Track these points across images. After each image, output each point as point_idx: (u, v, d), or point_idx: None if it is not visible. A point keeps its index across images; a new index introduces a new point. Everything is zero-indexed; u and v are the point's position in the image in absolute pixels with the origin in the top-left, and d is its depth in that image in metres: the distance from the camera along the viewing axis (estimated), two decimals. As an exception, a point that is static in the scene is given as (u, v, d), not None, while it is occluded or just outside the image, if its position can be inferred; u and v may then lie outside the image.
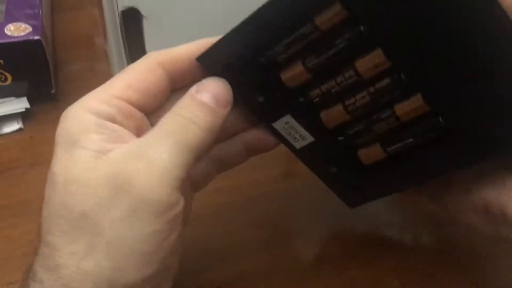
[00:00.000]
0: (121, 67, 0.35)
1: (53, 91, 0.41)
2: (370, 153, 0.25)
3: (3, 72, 0.38)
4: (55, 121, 0.40)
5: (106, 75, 0.45)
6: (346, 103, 0.24)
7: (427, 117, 0.22)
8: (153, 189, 0.20)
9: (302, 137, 0.25)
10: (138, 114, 0.24)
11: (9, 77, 0.39)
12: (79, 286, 0.20)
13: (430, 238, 0.32)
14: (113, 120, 0.22)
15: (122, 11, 0.32)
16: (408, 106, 0.23)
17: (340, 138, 0.25)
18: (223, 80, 0.24)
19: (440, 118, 0.22)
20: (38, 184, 0.34)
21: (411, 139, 0.23)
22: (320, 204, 0.32)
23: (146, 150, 0.21)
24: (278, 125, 0.25)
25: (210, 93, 0.23)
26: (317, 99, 0.24)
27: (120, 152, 0.21)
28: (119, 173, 0.20)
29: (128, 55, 0.35)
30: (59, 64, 0.47)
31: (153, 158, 0.21)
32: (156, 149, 0.21)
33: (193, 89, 0.23)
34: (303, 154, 0.26)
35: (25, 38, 0.38)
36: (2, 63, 0.38)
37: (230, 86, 0.24)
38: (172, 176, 0.21)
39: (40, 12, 0.42)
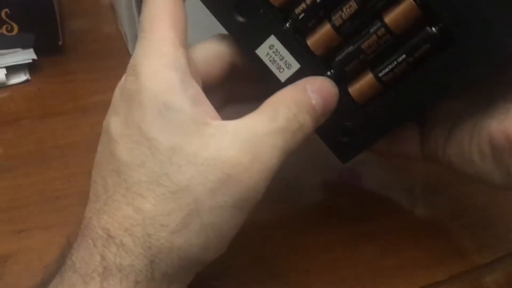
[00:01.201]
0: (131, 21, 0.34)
1: (60, 43, 0.40)
2: (363, 86, 0.23)
3: (9, 21, 0.37)
4: (64, 73, 0.40)
5: (112, 29, 0.44)
6: (333, 18, 0.22)
7: (420, 27, 0.21)
8: (257, 189, 0.21)
9: (287, 64, 0.24)
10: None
11: (16, 27, 0.38)
12: (165, 258, 0.20)
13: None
14: (187, 73, 0.22)
15: None
16: (398, 12, 0.21)
17: (329, 72, 0.24)
18: (333, 83, 0.23)
19: (433, 27, 0.21)
20: (49, 134, 0.34)
21: (403, 56, 0.22)
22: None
23: (256, 143, 0.21)
24: (262, 51, 0.24)
25: (323, 98, 0.23)
26: (302, 15, 0.23)
27: (228, 137, 0.21)
28: (229, 161, 0.20)
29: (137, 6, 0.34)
30: (64, 18, 0.46)
31: (263, 159, 0.21)
32: (266, 148, 0.21)
33: (308, 85, 0.23)
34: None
35: (32, -13, 0.37)
36: (9, 12, 0.37)
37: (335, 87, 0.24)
38: (270, 178, 0.21)
39: (46, -40, 0.41)
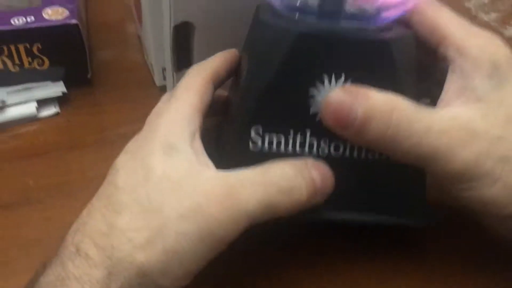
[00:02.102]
0: (169, 78, 0.36)
1: (89, 76, 0.41)
2: None
3: (40, 56, 0.38)
4: (92, 105, 0.41)
5: (138, 61, 0.45)
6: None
7: None
8: (225, 227, 0.21)
9: None
10: None
11: (47, 61, 0.39)
12: (123, 272, 0.21)
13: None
14: (197, 133, 0.25)
15: (175, 25, 0.32)
16: None
17: None
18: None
19: None
20: (77, 166, 0.35)
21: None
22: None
23: (238, 185, 0.22)
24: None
25: (321, 175, 0.24)
26: None
27: (216, 176, 0.22)
28: (204, 191, 0.22)
29: (176, 65, 0.35)
30: (92, 49, 0.47)
31: (239, 199, 0.21)
32: (246, 191, 0.22)
33: (309, 160, 0.24)
34: None
35: (63, 22, 0.38)
36: (40, 46, 0.38)
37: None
38: (243, 223, 0.22)
39: (76, -4, 0.42)
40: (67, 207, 0.32)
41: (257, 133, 0.24)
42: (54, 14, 0.38)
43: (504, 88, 0.24)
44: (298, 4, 0.25)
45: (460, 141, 0.23)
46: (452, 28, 0.26)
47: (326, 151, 0.25)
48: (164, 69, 0.39)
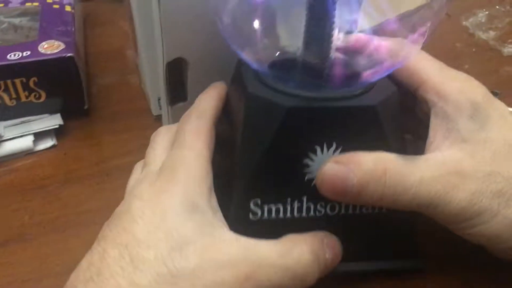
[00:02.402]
0: (164, 111, 0.36)
1: (86, 107, 0.41)
2: None
3: (37, 89, 0.39)
4: (88, 136, 0.41)
5: (136, 89, 0.45)
6: None
7: None
8: None
9: None
10: None
11: (43, 94, 0.39)
12: None
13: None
14: (212, 186, 0.26)
15: (168, 62, 0.33)
16: None
17: None
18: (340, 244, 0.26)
19: None
20: (72, 200, 0.34)
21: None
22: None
23: (256, 268, 0.22)
24: None
25: (334, 255, 0.25)
26: None
27: (237, 249, 0.23)
28: (228, 271, 0.22)
29: (170, 99, 0.35)
30: (92, 78, 0.47)
31: (255, 283, 0.22)
32: (262, 275, 0.22)
33: (325, 239, 0.25)
34: None
35: (59, 55, 0.38)
36: (37, 80, 0.38)
37: None
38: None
39: (73, 28, 0.43)
40: (62, 243, 0.31)
41: (256, 205, 0.25)
42: (49, 48, 0.39)
43: (486, 126, 0.25)
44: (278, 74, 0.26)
45: (453, 185, 0.23)
46: (430, 72, 0.27)
47: (323, 211, 0.26)
48: (159, 99, 0.39)
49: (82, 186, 0.35)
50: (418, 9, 0.24)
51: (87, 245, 0.31)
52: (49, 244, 0.31)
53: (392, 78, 0.27)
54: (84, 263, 0.22)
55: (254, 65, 0.25)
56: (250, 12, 0.25)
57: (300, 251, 0.23)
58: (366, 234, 0.27)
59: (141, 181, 0.25)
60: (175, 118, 0.35)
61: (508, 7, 0.52)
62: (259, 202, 0.25)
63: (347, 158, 0.23)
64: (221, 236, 0.23)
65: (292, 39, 0.26)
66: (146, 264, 0.21)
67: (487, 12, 0.51)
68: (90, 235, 0.31)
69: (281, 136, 0.24)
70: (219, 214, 0.25)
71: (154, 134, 0.29)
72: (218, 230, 0.23)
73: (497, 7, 0.51)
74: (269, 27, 0.26)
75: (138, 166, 0.30)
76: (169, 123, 0.36)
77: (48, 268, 0.30)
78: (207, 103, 0.28)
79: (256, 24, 0.26)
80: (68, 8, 0.46)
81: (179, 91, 0.34)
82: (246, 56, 0.26)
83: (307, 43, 0.24)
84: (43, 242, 0.32)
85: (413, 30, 0.25)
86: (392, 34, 0.25)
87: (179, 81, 0.34)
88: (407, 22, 0.25)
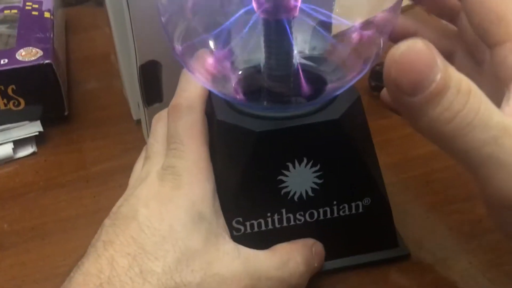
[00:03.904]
0: (142, 113, 0.36)
1: (66, 113, 0.41)
2: None
3: (15, 97, 0.39)
4: (69, 143, 0.40)
5: (118, 94, 0.45)
6: None
7: None
8: None
9: None
10: None
11: (22, 101, 0.39)
12: None
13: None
14: (215, 187, 0.26)
15: (142, 65, 0.33)
16: None
17: None
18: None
19: None
20: (52, 208, 0.34)
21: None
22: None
23: (257, 281, 0.24)
24: None
25: (320, 262, 0.27)
26: None
27: (239, 263, 0.24)
28: (232, 285, 0.23)
29: (145, 100, 0.35)
30: (74, 84, 0.47)
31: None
32: (263, 285, 0.24)
33: (314, 247, 0.26)
34: None
35: (36, 63, 0.38)
36: (15, 88, 0.38)
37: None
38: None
39: (51, 35, 0.43)
40: (41, 251, 0.31)
41: (239, 223, 0.26)
42: (27, 55, 0.39)
43: None
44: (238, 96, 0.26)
45: None
46: None
47: (303, 220, 0.26)
48: (139, 103, 0.39)
49: (62, 193, 0.35)
50: (376, 15, 0.24)
51: (67, 252, 0.31)
52: (28, 252, 0.31)
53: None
54: (92, 268, 0.22)
55: (217, 94, 0.26)
56: (202, 41, 0.25)
57: (295, 264, 0.25)
58: (346, 233, 0.28)
59: (144, 181, 0.25)
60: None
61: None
62: (241, 220, 0.26)
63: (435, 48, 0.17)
64: (224, 248, 0.24)
65: (252, 58, 0.27)
66: (154, 276, 0.22)
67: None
68: (70, 242, 0.32)
69: (254, 158, 0.25)
70: (222, 220, 0.25)
71: (155, 120, 0.29)
72: (221, 241, 0.24)
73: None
74: (225, 54, 0.26)
75: (141, 157, 0.29)
76: (147, 125, 0.36)
77: (28, 275, 0.30)
78: (193, 90, 0.27)
79: (211, 52, 0.26)
80: (47, 15, 0.46)
81: (154, 93, 0.34)
82: (208, 86, 0.26)
83: (268, 62, 0.25)
84: (23, 250, 0.32)
85: (375, 36, 0.25)
86: (355, 41, 0.25)
87: (154, 83, 0.34)
88: (369, 29, 0.25)
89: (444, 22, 0.27)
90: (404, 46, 0.17)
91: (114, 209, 0.25)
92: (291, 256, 0.25)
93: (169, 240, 0.23)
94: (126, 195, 0.26)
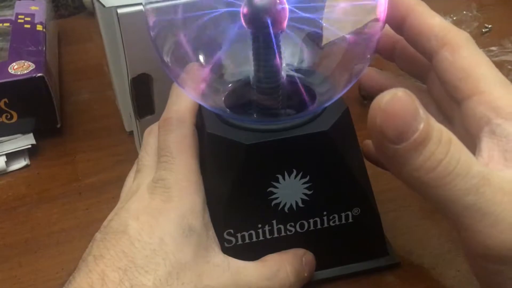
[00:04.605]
0: (134, 125, 0.37)
1: (58, 125, 0.41)
2: None
3: (8, 110, 0.39)
4: (62, 155, 0.41)
5: (111, 106, 0.45)
6: None
7: None
8: None
9: None
10: None
11: (15, 115, 0.39)
12: None
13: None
14: (205, 200, 0.26)
15: (133, 78, 0.33)
16: None
17: None
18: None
19: None
20: (44, 221, 0.34)
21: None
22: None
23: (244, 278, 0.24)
24: None
25: (309, 272, 0.27)
26: None
27: (229, 275, 0.24)
28: None
29: (137, 113, 0.35)
30: (67, 95, 0.47)
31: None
32: (252, 282, 0.24)
33: (304, 257, 0.27)
34: None
35: (28, 76, 0.38)
36: (7, 101, 0.38)
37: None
38: None
39: (44, 48, 0.43)
40: (34, 264, 0.31)
41: (230, 235, 0.26)
42: (19, 68, 0.39)
43: None
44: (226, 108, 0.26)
45: None
46: (491, 82, 0.21)
47: (293, 230, 0.27)
48: (131, 115, 0.39)
49: (55, 205, 0.35)
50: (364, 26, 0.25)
51: (60, 265, 0.31)
52: (21, 266, 0.31)
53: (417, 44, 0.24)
54: (83, 283, 0.22)
55: (207, 107, 0.26)
56: (191, 55, 0.26)
57: (285, 274, 0.25)
58: (336, 242, 0.28)
59: (135, 194, 0.25)
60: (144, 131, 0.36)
61: (475, 12, 0.53)
62: (232, 231, 0.26)
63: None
64: (214, 260, 0.24)
65: (241, 71, 0.27)
66: None
67: (454, 18, 0.51)
68: (63, 255, 0.32)
69: (244, 171, 0.25)
70: (212, 231, 0.25)
71: (147, 133, 0.29)
72: (211, 253, 0.24)
73: (464, 12, 0.52)
74: (215, 67, 0.27)
75: (133, 170, 0.30)
76: (139, 137, 0.37)
77: (20, 289, 0.30)
78: (183, 104, 0.27)
79: (201, 65, 0.26)
80: (39, 27, 0.46)
81: (146, 105, 0.35)
82: (198, 99, 0.27)
83: (257, 75, 0.25)
84: (15, 263, 0.32)
85: (363, 47, 0.25)
86: (343, 52, 0.26)
87: (146, 95, 0.34)
88: (357, 40, 0.25)
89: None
90: (388, 95, 0.17)
91: (105, 223, 0.25)
92: (281, 267, 0.25)
93: (159, 253, 0.23)
94: (117, 208, 0.26)
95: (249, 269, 0.25)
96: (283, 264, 0.26)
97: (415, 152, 0.18)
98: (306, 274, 0.26)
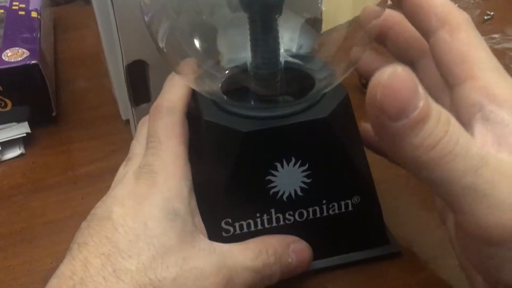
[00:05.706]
0: (130, 114, 0.36)
1: (53, 114, 0.41)
2: None
3: (2, 98, 0.38)
4: (57, 144, 0.40)
5: (107, 94, 0.45)
6: None
7: None
8: None
9: None
10: None
11: (9, 103, 0.39)
12: None
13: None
14: (191, 186, 0.25)
15: (128, 64, 0.32)
16: None
17: None
18: (311, 252, 0.26)
19: None
20: (39, 210, 0.34)
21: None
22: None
23: (233, 273, 0.23)
24: None
25: (299, 261, 0.26)
26: None
27: (214, 258, 0.23)
28: (208, 278, 0.23)
29: (133, 100, 0.35)
30: (63, 84, 0.47)
31: (237, 285, 0.24)
32: (239, 279, 0.24)
33: (292, 244, 0.26)
34: None
35: (23, 63, 0.38)
36: (1, 89, 0.38)
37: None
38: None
39: (38, 35, 0.42)
40: (28, 254, 0.31)
41: (228, 224, 0.26)
42: (13, 56, 0.38)
43: None
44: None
45: None
46: (486, 68, 0.21)
47: (292, 219, 0.26)
48: (127, 103, 0.39)
49: (50, 195, 0.35)
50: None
51: (55, 255, 0.31)
52: (16, 255, 0.31)
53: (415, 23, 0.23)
54: (66, 270, 0.22)
55: (204, 94, 0.25)
56: (188, 38, 0.25)
57: (266, 255, 0.25)
58: (336, 231, 0.28)
59: (121, 181, 0.25)
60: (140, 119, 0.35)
61: (477, -1, 0.52)
62: (230, 221, 0.26)
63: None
64: (200, 245, 0.23)
65: (238, 57, 0.26)
66: (128, 275, 0.21)
67: (456, 4, 0.51)
68: (58, 244, 0.31)
69: (241, 159, 0.24)
70: (198, 218, 0.25)
71: (141, 123, 0.29)
72: (196, 239, 0.24)
73: (467, -1, 0.52)
74: (211, 51, 0.26)
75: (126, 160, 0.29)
76: (135, 125, 0.36)
77: (15, 279, 0.30)
78: (175, 92, 0.27)
79: (197, 49, 0.26)
80: (34, 14, 0.46)
81: (142, 93, 0.34)
82: (194, 85, 0.26)
83: (254, 61, 0.24)
84: (10, 253, 0.31)
85: (363, 33, 0.25)
86: (342, 38, 0.25)
87: (142, 82, 0.34)
88: (357, 26, 0.24)
89: None
90: (389, 71, 0.17)
91: (92, 211, 0.25)
92: (262, 248, 0.25)
93: (143, 238, 0.22)
94: (105, 197, 0.25)
95: (234, 252, 0.24)
96: (264, 246, 0.25)
97: (415, 129, 0.17)
98: (291, 261, 0.25)
